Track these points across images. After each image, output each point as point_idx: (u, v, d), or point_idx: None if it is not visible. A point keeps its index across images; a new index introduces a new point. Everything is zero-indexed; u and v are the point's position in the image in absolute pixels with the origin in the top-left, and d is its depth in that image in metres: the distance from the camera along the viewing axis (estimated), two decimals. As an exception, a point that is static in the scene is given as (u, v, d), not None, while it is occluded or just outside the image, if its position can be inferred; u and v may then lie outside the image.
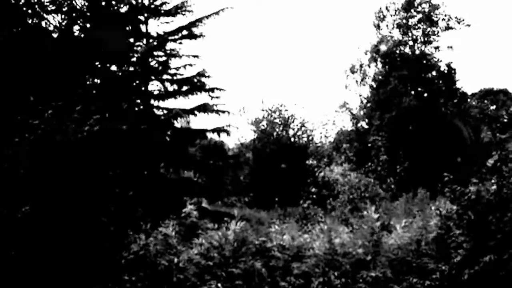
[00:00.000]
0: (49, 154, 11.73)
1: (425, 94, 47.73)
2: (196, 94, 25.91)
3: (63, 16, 23.67)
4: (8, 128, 12.06)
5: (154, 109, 25.86)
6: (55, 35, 22.90)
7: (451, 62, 48.83)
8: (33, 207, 11.15)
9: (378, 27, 50.15)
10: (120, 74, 25.29)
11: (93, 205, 11.98)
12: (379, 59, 48.93)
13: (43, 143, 11.71)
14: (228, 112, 25.90)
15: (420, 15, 49.12)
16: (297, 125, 48.62)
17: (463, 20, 48.93)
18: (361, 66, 49.81)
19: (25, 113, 12.38)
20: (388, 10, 50.03)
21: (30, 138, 11.65)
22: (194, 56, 25.86)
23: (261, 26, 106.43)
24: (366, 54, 49.69)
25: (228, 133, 26.10)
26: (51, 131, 11.78)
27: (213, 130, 26.04)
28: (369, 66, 49.73)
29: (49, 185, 11.61)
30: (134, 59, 25.70)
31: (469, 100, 50.51)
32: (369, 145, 43.09)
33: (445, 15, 48.92)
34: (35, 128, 11.78)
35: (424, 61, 48.40)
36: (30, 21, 22.15)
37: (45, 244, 11.35)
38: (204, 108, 25.72)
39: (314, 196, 32.64)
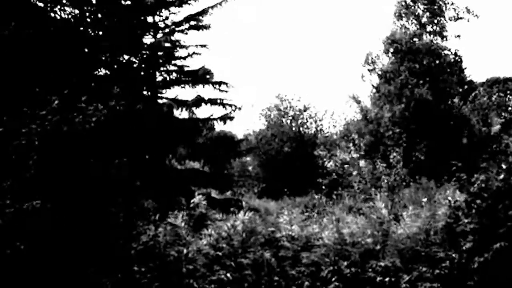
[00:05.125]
0: (57, 145, 11.76)
1: (434, 85, 47.48)
2: (203, 86, 26.01)
3: (71, 8, 23.70)
4: (16, 120, 12.08)
5: (160, 100, 25.91)
6: (62, 26, 22.88)
7: (458, 50, 48.62)
8: (42, 199, 11.18)
9: (400, 17, 49.67)
10: (128, 64, 25.31)
11: (102, 196, 12.01)
12: (391, 50, 48.63)
13: (51, 134, 11.73)
14: (236, 106, 25.91)
15: (429, 5, 48.73)
16: (307, 115, 48.69)
17: (473, 10, 48.59)
18: (375, 57, 49.45)
19: (33, 104, 12.40)
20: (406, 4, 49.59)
21: (38, 129, 11.68)
22: (202, 46, 25.85)
23: (272, 16, 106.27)
24: (381, 45, 49.36)
25: (231, 118, 26.09)
26: (59, 121, 11.81)
27: (220, 118, 26.06)
28: (383, 56, 49.37)
29: (58, 177, 11.64)
30: (142, 50, 25.73)
31: (477, 88, 50.24)
32: (387, 135, 43.01)
33: (452, 3, 48.56)
34: (42, 119, 11.80)
35: (434, 52, 48.09)
36: (39, 13, 22.15)
37: (54, 236, 11.39)
38: (209, 99, 25.75)
39: (324, 186, 32.69)
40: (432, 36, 48.95)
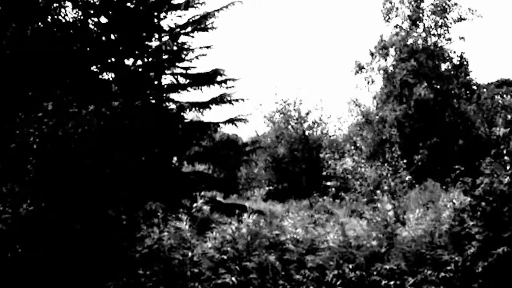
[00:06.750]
0: (54, 147, 11.76)
1: (437, 86, 47.45)
2: (209, 87, 25.90)
3: (76, 11, 23.72)
4: (11, 123, 12.10)
5: (167, 102, 25.87)
6: (65, 30, 22.90)
7: (464, 53, 48.59)
8: (42, 203, 11.19)
9: (388, 19, 49.74)
10: (133, 68, 25.31)
11: (103, 200, 12.02)
12: (389, 51, 48.65)
13: (48, 137, 11.74)
14: (243, 100, 25.78)
15: (432, 6, 48.70)
16: (311, 118, 48.71)
17: (476, 10, 48.44)
18: (372, 56, 49.40)
19: (28, 108, 12.43)
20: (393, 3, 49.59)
21: (35, 132, 11.68)
22: (207, 47, 25.80)
23: (272, 19, 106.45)
24: (376, 47, 49.30)
25: (245, 121, 25.99)
26: (54, 125, 11.82)
27: (227, 121, 25.96)
28: (379, 59, 49.34)
29: (57, 180, 11.64)
30: (147, 53, 25.73)
31: (483, 91, 50.11)
32: (384, 137, 43.06)
33: (455, 4, 48.41)
34: (39, 122, 11.81)
35: (437, 53, 48.06)
36: (42, 16, 22.16)
37: (56, 240, 11.40)
38: (221, 99, 25.65)
39: (331, 188, 32.72)
40: (436, 38, 48.94)
